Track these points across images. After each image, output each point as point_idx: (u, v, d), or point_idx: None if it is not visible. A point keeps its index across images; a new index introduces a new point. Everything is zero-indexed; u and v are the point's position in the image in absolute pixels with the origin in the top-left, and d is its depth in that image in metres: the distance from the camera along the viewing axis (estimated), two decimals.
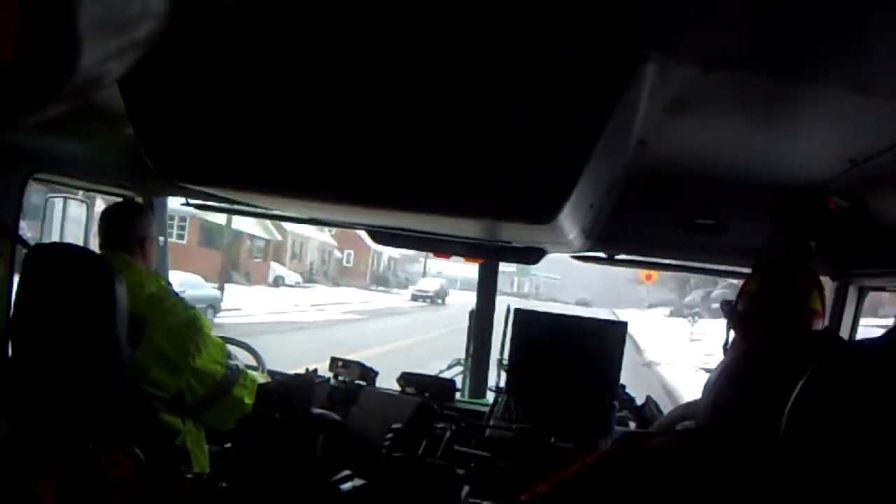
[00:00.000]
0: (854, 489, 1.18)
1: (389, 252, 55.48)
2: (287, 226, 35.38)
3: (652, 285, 43.62)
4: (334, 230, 38.10)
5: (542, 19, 1.47)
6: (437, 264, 55.62)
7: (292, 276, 40.31)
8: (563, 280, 66.96)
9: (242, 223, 31.53)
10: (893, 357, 1.22)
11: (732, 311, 2.44)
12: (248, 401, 2.67)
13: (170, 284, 2.88)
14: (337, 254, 53.20)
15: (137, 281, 2.66)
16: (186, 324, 2.68)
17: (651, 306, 51.14)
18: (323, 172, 1.76)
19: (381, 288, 52.74)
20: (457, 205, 1.75)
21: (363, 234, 3.60)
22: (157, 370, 2.62)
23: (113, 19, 0.52)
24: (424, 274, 53.02)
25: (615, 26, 1.47)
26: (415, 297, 42.41)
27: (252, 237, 37.53)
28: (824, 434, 1.21)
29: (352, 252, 55.03)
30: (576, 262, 3.56)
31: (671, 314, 44.04)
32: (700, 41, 1.50)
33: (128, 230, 2.80)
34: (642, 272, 18.32)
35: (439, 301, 43.07)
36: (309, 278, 44.88)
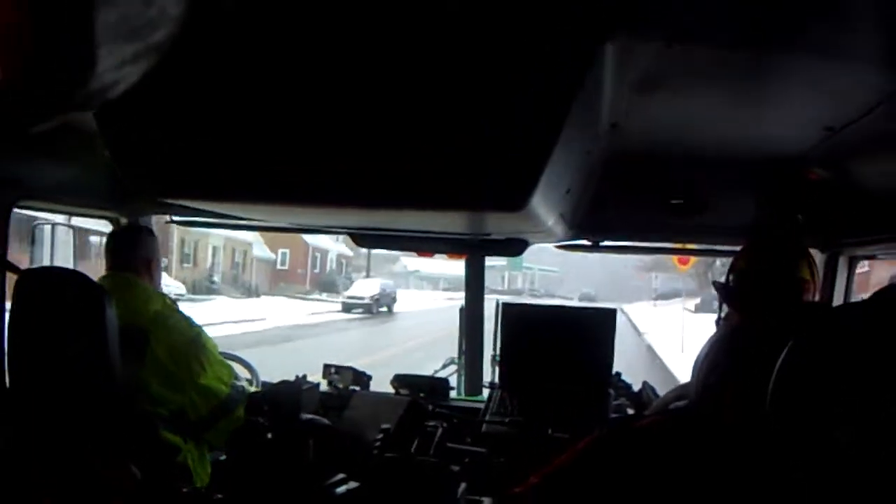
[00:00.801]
0: (841, 457, 1.17)
1: (340, 249, 47.80)
2: None
3: (661, 273, 39.62)
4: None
5: (498, 1, 1.46)
6: (415, 262, 51.18)
7: (174, 287, 25.67)
8: (563, 272, 60.51)
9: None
10: (877, 321, 1.21)
11: (725, 289, 2.43)
12: None
13: (175, 304, 2.91)
14: (259, 253, 42.49)
15: (142, 298, 2.73)
16: (190, 342, 2.72)
17: (660, 298, 43.92)
18: (298, 176, 1.75)
19: (325, 294, 42.46)
20: (429, 197, 1.74)
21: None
22: (157, 386, 2.64)
23: (128, 25, 0.51)
24: (368, 273, 41.56)
25: (573, 4, 1.46)
26: (347, 307, 32.47)
27: (82, 230, 20.80)
28: (809, 403, 1.20)
29: (287, 251, 45.16)
30: (576, 251, 3.54)
31: (698, 309, 30.11)
32: (661, 15, 1.48)
33: (134, 252, 2.87)
34: (675, 258, 17.02)
35: (383, 309, 34.13)
36: (208, 288, 35.11)
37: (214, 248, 38.12)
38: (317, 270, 47.60)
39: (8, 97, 0.51)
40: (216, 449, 2.82)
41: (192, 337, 2.74)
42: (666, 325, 25.00)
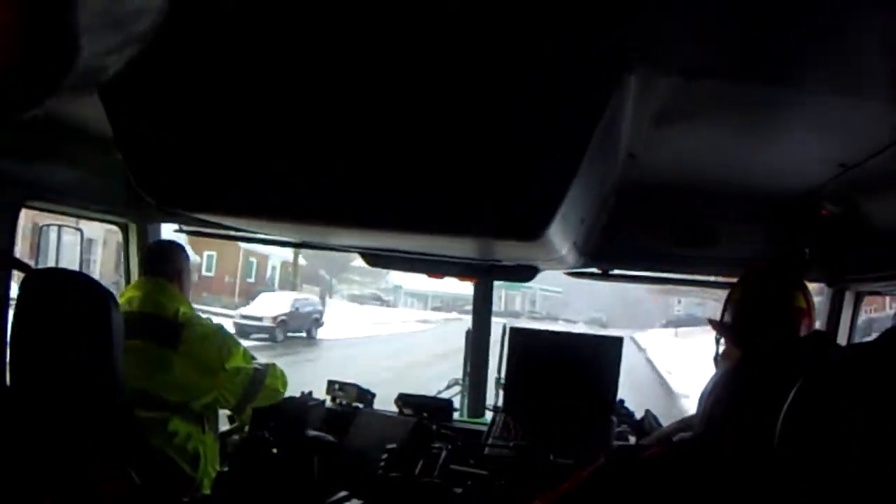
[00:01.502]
0: (851, 493, 1.17)
1: (286, 255, 36.92)
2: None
3: (684, 297, 35.88)
4: None
5: (526, 34, 1.48)
6: (401, 277, 45.10)
7: None
8: (567, 294, 51.70)
9: None
10: (887, 360, 1.22)
11: (720, 323, 2.43)
12: (282, 389, 3.05)
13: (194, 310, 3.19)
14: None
15: (173, 299, 3.02)
16: (216, 331, 3.03)
17: (669, 325, 38.68)
18: (314, 195, 1.75)
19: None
20: (447, 223, 1.74)
21: None
22: (195, 375, 2.86)
23: (113, 13, 0.53)
24: (295, 286, 34.33)
25: (597, 39, 1.48)
26: (242, 331, 21.04)
27: None
28: (820, 441, 1.20)
29: (214, 254, 35.42)
30: (584, 279, 3.54)
31: None
32: (682, 50, 1.51)
33: (169, 262, 3.14)
34: None
35: (299, 334, 25.80)
36: None
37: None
38: (251, 280, 38.63)
39: None
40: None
41: (217, 327, 3.06)
42: (697, 365, 20.56)
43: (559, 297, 53.56)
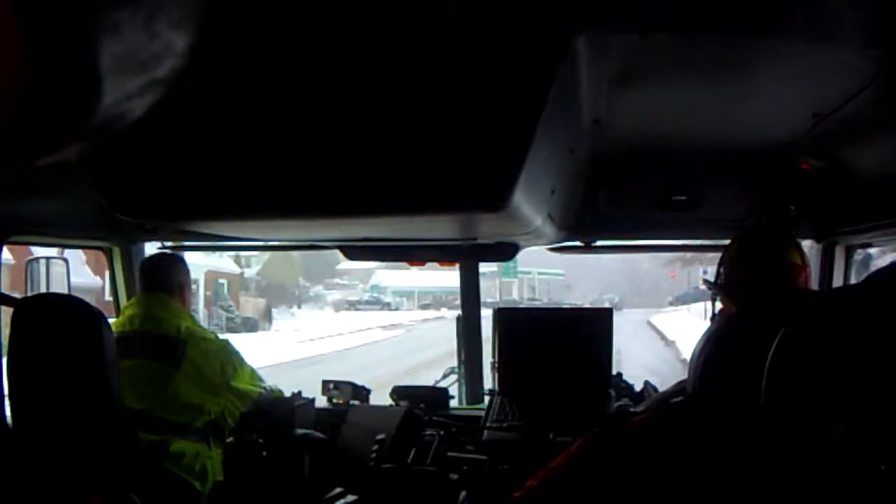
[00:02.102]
0: (837, 448, 1.14)
1: (215, 264, 31.45)
2: None
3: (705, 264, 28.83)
4: None
5: (464, 2, 1.45)
6: (386, 276, 42.91)
7: None
8: (570, 277, 47.63)
9: None
10: (869, 305, 1.19)
11: (715, 283, 2.41)
12: None
13: (199, 324, 3.11)
14: (79, 280, 9.78)
15: (175, 314, 2.93)
16: (221, 348, 2.90)
17: (679, 303, 34.88)
18: (279, 189, 1.76)
19: None
20: (412, 200, 1.73)
21: None
22: (198, 393, 2.78)
23: (135, 58, 0.51)
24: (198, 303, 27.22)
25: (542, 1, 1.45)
26: None
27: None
28: (803, 393, 1.17)
29: None
30: (568, 253, 3.50)
31: None
32: (633, 5, 1.47)
33: (170, 276, 3.05)
34: None
35: None
36: None
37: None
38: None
39: (11, 131, 0.51)
40: None
41: (222, 344, 2.93)
42: None
43: (561, 281, 48.84)
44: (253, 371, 2.97)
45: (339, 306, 43.35)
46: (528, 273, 44.57)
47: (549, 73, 1.54)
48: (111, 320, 3.20)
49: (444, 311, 35.54)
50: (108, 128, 0.56)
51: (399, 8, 1.46)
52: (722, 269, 2.41)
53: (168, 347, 2.80)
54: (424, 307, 43.26)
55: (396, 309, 39.46)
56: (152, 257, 3.26)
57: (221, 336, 3.00)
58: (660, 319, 28.52)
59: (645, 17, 1.49)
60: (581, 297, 44.35)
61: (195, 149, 1.73)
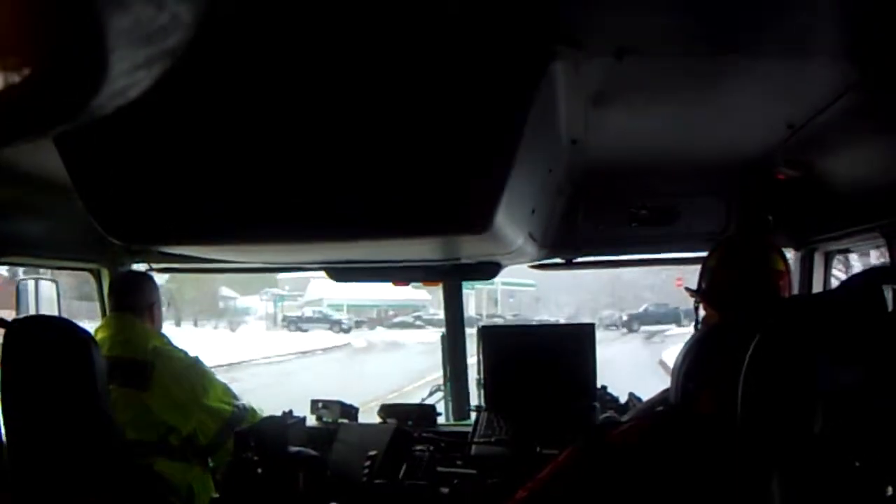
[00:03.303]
0: (816, 447, 1.19)
1: None
2: None
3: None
4: None
5: (446, 24, 1.49)
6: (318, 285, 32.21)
7: None
8: (544, 288, 37.53)
9: None
10: (843, 309, 1.24)
11: (698, 292, 2.45)
12: None
13: (171, 342, 3.04)
14: None
15: (141, 335, 2.88)
16: (190, 367, 2.87)
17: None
18: (270, 213, 1.77)
19: None
20: (396, 226, 1.76)
21: None
22: (166, 411, 2.74)
23: (142, 30, 0.52)
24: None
25: (519, 26, 1.50)
26: None
27: None
28: (779, 396, 1.22)
29: None
30: (549, 270, 3.55)
31: None
32: (606, 30, 1.52)
33: (138, 296, 3.01)
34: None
35: None
36: None
37: None
38: None
39: (21, 103, 0.53)
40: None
41: (190, 363, 2.89)
42: None
43: (531, 292, 39.38)
44: (225, 388, 2.94)
45: (273, 322, 35.17)
46: (492, 283, 32.98)
47: (528, 97, 1.57)
48: None
49: (360, 335, 29.81)
50: (117, 100, 0.59)
51: (382, 34, 1.51)
52: (704, 277, 2.46)
53: (136, 370, 2.76)
54: (348, 330, 32.68)
55: (348, 330, 31.73)
56: (122, 276, 3.26)
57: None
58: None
59: (618, 41, 1.54)
60: (556, 311, 35.98)
61: (186, 173, 1.75)
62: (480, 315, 32.31)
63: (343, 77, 1.59)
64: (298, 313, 33.74)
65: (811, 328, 1.25)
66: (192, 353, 2.98)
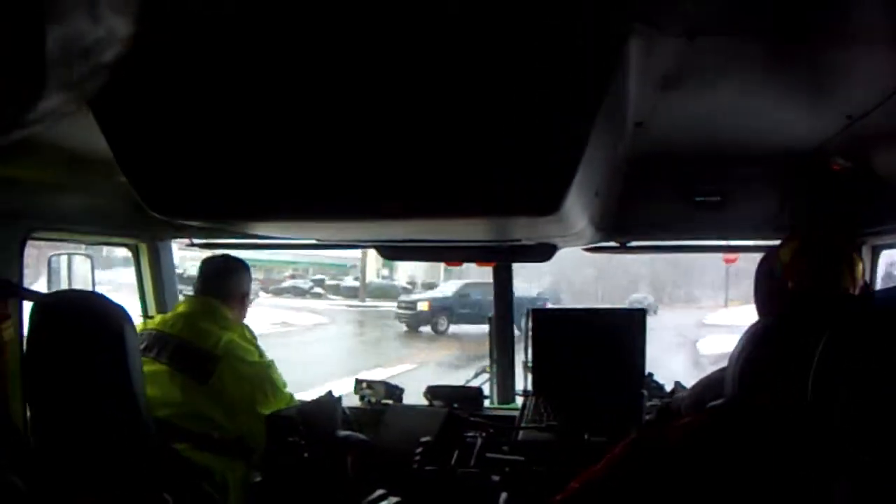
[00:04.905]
0: (886, 445, 1.15)
1: None
2: None
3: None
4: None
5: (525, 7, 1.45)
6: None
7: None
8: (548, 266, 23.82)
9: None
10: None
11: (765, 282, 2.38)
12: None
13: (255, 337, 2.91)
14: None
15: (222, 326, 2.77)
16: (257, 373, 2.71)
17: None
18: (324, 189, 1.71)
19: None
20: (462, 205, 1.70)
21: None
22: (218, 411, 2.63)
23: (76, 44, 0.51)
24: None
25: (595, 5, 1.45)
26: None
27: None
28: (851, 392, 1.18)
29: None
30: (602, 253, 3.51)
31: None
32: (681, 9, 1.48)
33: (230, 283, 2.91)
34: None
35: None
36: None
37: None
38: None
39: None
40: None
41: (260, 368, 2.73)
42: None
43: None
44: (292, 398, 2.75)
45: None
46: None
47: (604, 78, 1.54)
48: (154, 317, 3.21)
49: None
50: (61, 112, 0.57)
51: (451, 16, 1.47)
52: (774, 268, 2.37)
53: (199, 361, 2.66)
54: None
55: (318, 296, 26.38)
56: (213, 260, 3.09)
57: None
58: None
59: (692, 21, 1.50)
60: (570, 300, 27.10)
61: (233, 147, 1.70)
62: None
63: (415, 53, 1.54)
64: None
65: (884, 327, 1.21)
66: (268, 356, 2.85)
